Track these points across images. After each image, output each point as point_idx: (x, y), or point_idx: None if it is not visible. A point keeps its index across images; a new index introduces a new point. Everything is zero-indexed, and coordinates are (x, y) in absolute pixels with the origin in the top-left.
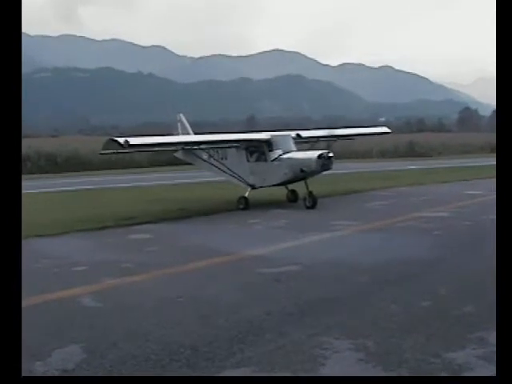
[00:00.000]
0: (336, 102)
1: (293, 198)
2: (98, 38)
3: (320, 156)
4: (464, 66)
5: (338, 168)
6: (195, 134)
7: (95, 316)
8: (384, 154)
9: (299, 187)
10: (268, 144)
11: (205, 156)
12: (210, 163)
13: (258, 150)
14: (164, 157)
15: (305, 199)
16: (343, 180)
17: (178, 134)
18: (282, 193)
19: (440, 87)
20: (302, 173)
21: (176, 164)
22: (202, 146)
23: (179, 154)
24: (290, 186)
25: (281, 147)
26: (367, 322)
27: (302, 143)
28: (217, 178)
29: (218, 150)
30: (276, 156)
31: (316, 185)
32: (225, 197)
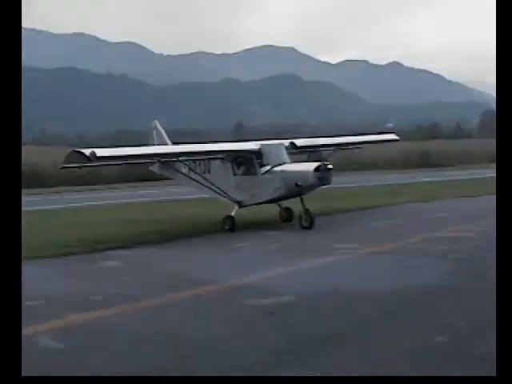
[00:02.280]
0: (336, 106)
1: (287, 216)
2: (59, 31)
3: (317, 168)
4: (487, 61)
5: (340, 182)
6: (173, 143)
7: (54, 358)
8: (393, 165)
9: (294, 204)
10: (258, 155)
11: (185, 169)
12: (191, 178)
13: (247, 162)
14: (138, 171)
15: (300, 218)
16: (345, 195)
17: (153, 145)
18: (274, 211)
19: (458, 86)
20: (297, 188)
21: (152, 179)
22: (181, 158)
23: (155, 168)
24: (284, 204)
25: (272, 158)
26: (372, 363)
27: (298, 153)
28: (199, 195)
29: (200, 162)
30: (267, 169)
31: (314, 201)
32: (208, 216)
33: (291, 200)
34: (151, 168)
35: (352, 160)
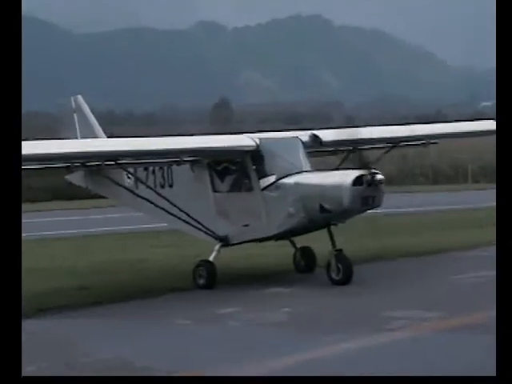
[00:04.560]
0: (392, 70)
1: (306, 263)
2: None
3: (358, 180)
4: None
5: (396, 203)
6: (110, 137)
7: None
8: (485, 175)
9: (318, 242)
10: (255, 157)
11: (128, 182)
12: (139, 196)
13: (235, 170)
14: (46, 183)
15: (329, 266)
16: (404, 226)
17: (74, 138)
18: (283, 253)
19: None
20: (324, 214)
21: (75, 197)
22: (122, 162)
23: (76, 178)
24: (300, 240)
25: (281, 163)
26: None
27: (325, 155)
28: (154, 224)
29: (155, 169)
30: (271, 181)
31: (351, 237)
32: (174, 261)
33: (314, 234)
34: (68, 178)
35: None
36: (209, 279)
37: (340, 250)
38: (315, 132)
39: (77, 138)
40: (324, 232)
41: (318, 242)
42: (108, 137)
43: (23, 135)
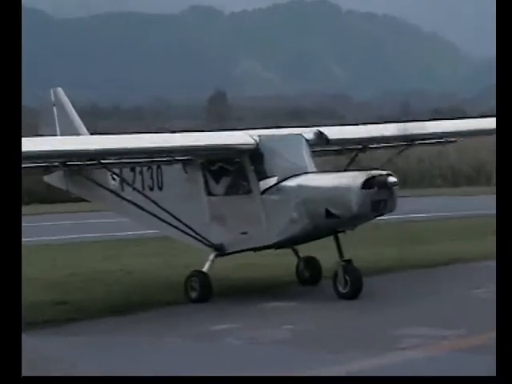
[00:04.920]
0: (404, 60)
1: (310, 274)
2: None
3: (369, 182)
4: None
5: (411, 208)
6: (93, 133)
7: None
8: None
9: (323, 250)
10: (254, 156)
11: (113, 184)
12: (125, 199)
13: (232, 171)
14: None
15: (336, 278)
16: (420, 234)
17: (53, 134)
18: (285, 264)
19: None
20: (330, 219)
21: (55, 200)
22: (106, 162)
23: (55, 179)
24: (303, 249)
25: (282, 163)
26: None
27: (331, 154)
28: (142, 231)
29: (143, 170)
30: (272, 183)
31: (360, 246)
32: (163, 271)
33: (319, 242)
34: (47, 179)
35: (430, 167)
36: (202, 292)
37: (348, 261)
38: (321, 129)
39: (56, 135)
40: (330, 240)
41: (324, 252)
42: (91, 133)
43: None
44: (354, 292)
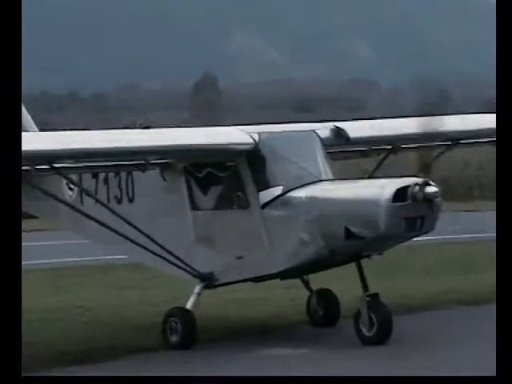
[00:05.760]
0: (446, 38)
1: (324, 311)
2: None
3: (402, 194)
4: None
5: (455, 226)
6: (43, 130)
7: None
8: None
9: (341, 281)
10: (252, 159)
11: (70, 194)
12: (84, 214)
13: (224, 178)
14: None
15: (358, 317)
16: (466, 260)
17: None
18: (293, 297)
19: None
20: (351, 241)
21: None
22: (60, 166)
23: None
24: (316, 280)
25: (288, 169)
26: None
27: (353, 156)
28: (108, 256)
29: (109, 176)
30: (277, 193)
31: (389, 275)
32: (135, 308)
33: (337, 271)
34: None
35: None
36: (185, 335)
37: (374, 295)
38: (339, 124)
39: None
40: (351, 268)
41: (343, 283)
42: (40, 129)
43: None
44: (381, 336)
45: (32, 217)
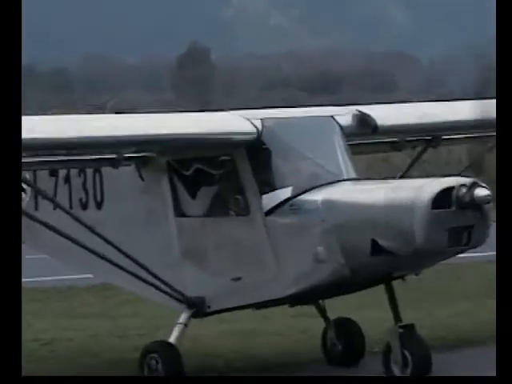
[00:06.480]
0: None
1: (344, 346)
2: None
3: (444, 197)
4: None
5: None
6: None
7: None
8: None
9: (365, 309)
10: (254, 153)
11: (22, 196)
12: (40, 221)
13: (218, 176)
14: None
15: (388, 353)
16: None
17: None
18: (305, 328)
19: None
20: (380, 257)
21: None
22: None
23: None
24: (334, 306)
25: (300, 165)
26: None
27: (380, 149)
28: (70, 275)
29: (71, 174)
30: (283, 198)
31: (426, 300)
32: (106, 341)
33: (360, 295)
34: None
35: None
36: (167, 375)
37: (409, 326)
38: (364, 108)
39: None
40: (378, 291)
41: (367, 311)
42: None
43: None
44: (417, 375)
45: None
